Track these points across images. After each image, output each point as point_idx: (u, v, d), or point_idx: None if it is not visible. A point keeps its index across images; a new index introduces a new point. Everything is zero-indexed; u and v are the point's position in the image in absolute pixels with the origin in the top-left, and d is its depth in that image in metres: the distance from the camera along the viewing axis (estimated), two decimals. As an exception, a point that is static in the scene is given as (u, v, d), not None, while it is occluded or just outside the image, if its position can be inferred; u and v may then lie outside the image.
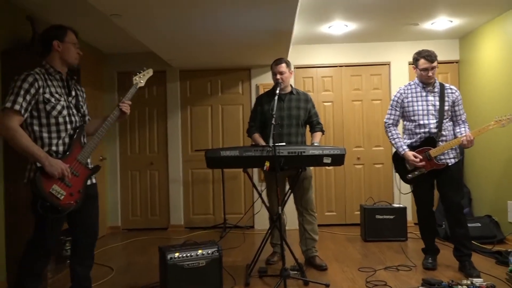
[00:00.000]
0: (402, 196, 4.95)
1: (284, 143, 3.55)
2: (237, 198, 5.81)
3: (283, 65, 3.80)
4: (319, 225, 5.75)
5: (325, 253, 4.33)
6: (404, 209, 4.82)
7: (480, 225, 4.67)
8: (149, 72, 2.86)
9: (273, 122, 3.31)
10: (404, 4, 4.23)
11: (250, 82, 5.83)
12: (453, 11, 4.51)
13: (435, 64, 3.55)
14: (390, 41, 5.65)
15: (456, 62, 5.68)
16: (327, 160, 3.40)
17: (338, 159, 3.41)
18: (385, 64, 5.75)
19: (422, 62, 3.54)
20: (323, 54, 5.76)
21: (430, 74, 3.55)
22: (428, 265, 3.69)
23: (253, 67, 5.78)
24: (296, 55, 5.72)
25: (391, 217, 4.82)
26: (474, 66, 5.28)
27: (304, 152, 3.38)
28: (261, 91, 5.63)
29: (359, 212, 5.21)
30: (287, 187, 3.95)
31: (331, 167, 5.77)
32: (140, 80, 2.81)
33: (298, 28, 4.92)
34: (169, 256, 2.96)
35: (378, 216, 4.83)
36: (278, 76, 3.78)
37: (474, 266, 3.47)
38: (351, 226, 5.64)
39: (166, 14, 3.48)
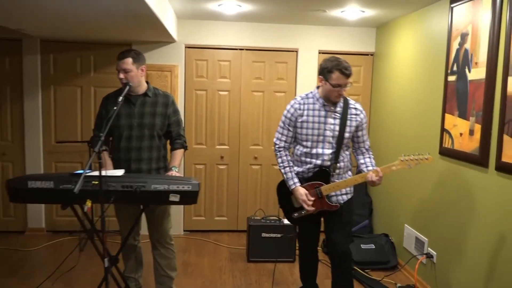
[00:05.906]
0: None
1: (122, 171, 2.70)
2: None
3: (128, 60, 2.86)
4: (207, 231, 5.13)
5: (194, 285, 3.64)
6: (294, 227, 4.22)
7: (374, 247, 4.21)
8: None
9: (95, 149, 2.41)
10: (304, -11, 3.39)
11: (131, 61, 4.78)
12: (364, 2, 3.73)
13: (351, 79, 2.77)
14: (298, 24, 4.81)
15: (372, 54, 5.00)
16: (174, 197, 2.61)
17: (189, 197, 2.63)
18: (293, 51, 4.93)
19: (337, 76, 2.71)
20: (221, 34, 4.81)
21: (342, 92, 2.77)
22: (302, 315, 3.13)
23: (135, 43, 4.72)
24: (188, 33, 4.74)
25: (279, 235, 4.21)
26: (389, 59, 4.58)
27: (143, 187, 2.56)
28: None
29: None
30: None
31: (224, 166, 5.03)
32: None
33: (179, 4, 3.93)
34: None
35: (264, 234, 4.19)
36: (122, 75, 2.87)
37: None
38: (242, 232, 4.99)
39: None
